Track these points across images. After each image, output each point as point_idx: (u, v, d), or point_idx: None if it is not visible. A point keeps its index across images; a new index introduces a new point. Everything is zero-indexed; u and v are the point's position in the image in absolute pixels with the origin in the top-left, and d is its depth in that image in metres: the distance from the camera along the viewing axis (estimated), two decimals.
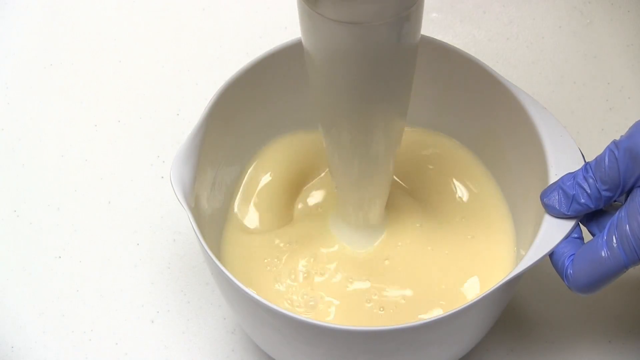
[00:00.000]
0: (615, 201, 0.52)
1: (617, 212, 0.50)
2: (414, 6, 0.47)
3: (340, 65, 0.49)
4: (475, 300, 0.49)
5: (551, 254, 0.52)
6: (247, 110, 0.61)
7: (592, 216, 0.53)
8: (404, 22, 0.47)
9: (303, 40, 0.50)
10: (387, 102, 0.52)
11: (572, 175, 0.52)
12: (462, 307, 0.49)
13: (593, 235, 0.53)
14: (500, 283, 0.50)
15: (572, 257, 0.51)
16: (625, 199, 0.51)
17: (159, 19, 0.76)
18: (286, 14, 0.76)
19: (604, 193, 0.51)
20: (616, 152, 0.50)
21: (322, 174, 0.66)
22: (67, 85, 0.74)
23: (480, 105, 0.61)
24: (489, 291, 0.50)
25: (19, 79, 0.74)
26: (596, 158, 0.51)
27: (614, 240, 0.49)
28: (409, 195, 0.64)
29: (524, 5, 0.76)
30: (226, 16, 0.76)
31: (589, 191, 0.51)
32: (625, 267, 0.49)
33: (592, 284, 0.50)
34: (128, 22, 0.76)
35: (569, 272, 0.51)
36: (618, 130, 0.71)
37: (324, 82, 0.51)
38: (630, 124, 0.72)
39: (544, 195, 0.53)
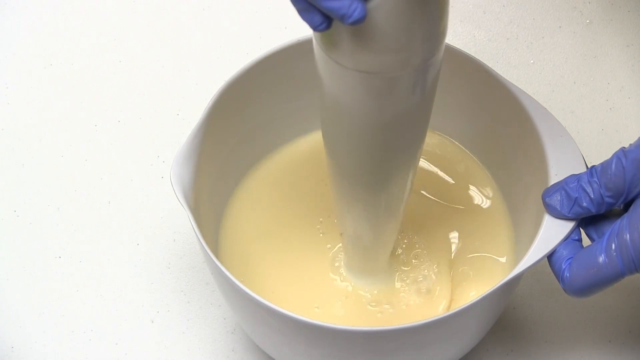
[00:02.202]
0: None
1: (619, 220, 0.50)
2: (432, 58, 0.45)
3: (353, 113, 0.47)
4: (475, 300, 0.49)
5: (550, 255, 0.52)
6: (247, 110, 0.61)
7: (591, 220, 0.53)
8: (421, 73, 0.46)
9: (321, 83, 0.48)
10: (401, 152, 0.50)
11: (577, 178, 0.52)
12: (462, 307, 0.49)
13: (590, 238, 0.53)
14: (500, 283, 0.50)
15: (569, 260, 0.51)
16: (626, 206, 0.51)
17: (159, 19, 0.76)
18: (286, 14, 0.76)
19: (606, 199, 0.51)
20: (624, 161, 0.50)
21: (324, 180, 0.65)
22: (67, 85, 0.74)
23: (480, 106, 0.61)
24: (489, 291, 0.50)
25: (19, 79, 0.74)
26: (602, 163, 0.51)
27: (613, 248, 0.49)
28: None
29: (524, 5, 0.76)
30: (226, 16, 0.76)
31: (592, 195, 0.51)
32: (622, 275, 0.49)
33: (587, 289, 0.50)
34: (128, 22, 0.76)
35: (565, 274, 0.51)
36: (618, 130, 0.71)
37: (336, 126, 0.50)
38: (630, 124, 0.72)
39: (546, 194, 0.53)
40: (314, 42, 0.46)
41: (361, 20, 0.41)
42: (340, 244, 0.61)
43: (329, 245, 0.62)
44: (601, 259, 0.49)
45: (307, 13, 0.42)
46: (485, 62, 0.59)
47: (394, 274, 0.60)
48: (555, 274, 0.52)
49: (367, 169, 0.51)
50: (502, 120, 0.60)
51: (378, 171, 0.51)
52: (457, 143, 0.66)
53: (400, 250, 0.61)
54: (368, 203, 0.53)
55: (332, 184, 0.54)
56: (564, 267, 0.51)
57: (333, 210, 0.58)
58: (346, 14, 0.41)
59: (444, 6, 0.44)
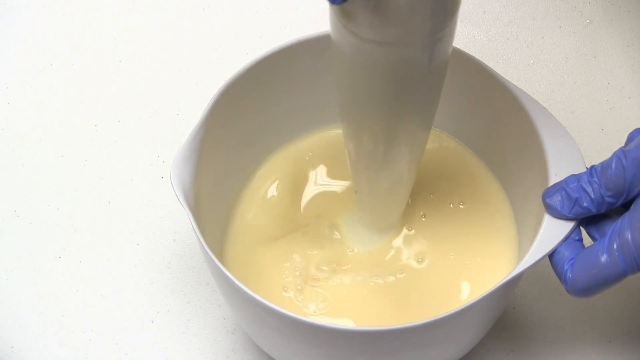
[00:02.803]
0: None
1: (620, 219, 0.50)
2: (446, 28, 0.47)
3: (368, 82, 0.49)
4: (475, 300, 0.49)
5: (551, 256, 0.52)
6: (247, 110, 0.61)
7: (592, 220, 0.53)
8: (435, 43, 0.47)
9: (333, 50, 0.50)
10: (414, 117, 0.52)
11: (577, 178, 0.52)
12: (462, 307, 0.49)
13: (592, 237, 0.53)
14: (501, 283, 0.50)
15: (572, 261, 0.51)
16: (625, 205, 0.51)
17: (159, 19, 0.76)
18: (286, 14, 0.76)
19: (607, 199, 0.51)
20: (624, 161, 0.50)
21: (325, 179, 0.65)
22: (67, 85, 0.74)
23: (481, 105, 0.61)
24: (489, 291, 0.50)
25: (19, 79, 0.74)
26: (602, 163, 0.51)
27: (615, 248, 0.49)
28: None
29: (524, 5, 0.76)
30: (226, 16, 0.76)
31: (592, 195, 0.51)
32: (624, 275, 0.49)
33: (590, 289, 0.50)
34: (128, 22, 0.76)
35: (568, 275, 0.51)
36: (618, 130, 0.71)
37: (351, 94, 0.52)
38: (631, 124, 0.72)
39: (546, 195, 0.53)
40: (330, 15, 0.47)
41: None
42: (340, 245, 0.62)
43: (330, 244, 0.62)
44: (603, 258, 0.49)
45: None
46: (485, 62, 0.59)
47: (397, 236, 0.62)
48: (557, 275, 0.52)
49: (379, 131, 0.52)
50: (502, 120, 0.60)
51: (388, 134, 0.53)
52: (456, 143, 0.66)
53: (392, 252, 0.61)
54: (381, 164, 0.55)
55: (347, 142, 0.56)
56: (566, 267, 0.51)
57: (349, 171, 0.60)
58: None
59: None
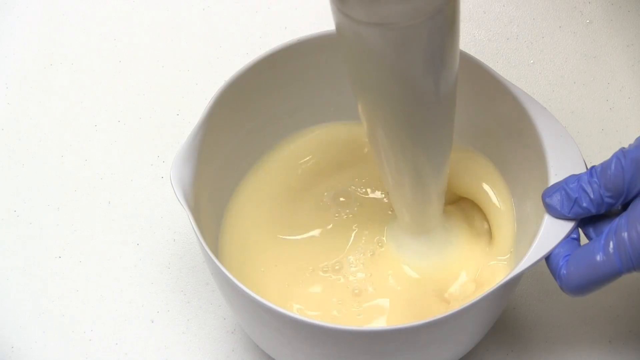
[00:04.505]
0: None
1: (617, 219, 0.50)
2: (445, 5, 0.45)
3: (370, 71, 0.48)
4: (475, 300, 0.49)
5: None
6: (247, 110, 0.61)
7: (590, 219, 0.53)
8: (436, 21, 0.45)
9: (340, 46, 0.49)
10: (430, 110, 0.50)
11: (577, 178, 0.52)
12: (462, 307, 0.49)
13: (588, 237, 0.53)
14: (500, 283, 0.50)
15: (567, 258, 0.51)
16: (625, 207, 0.51)
17: (159, 19, 0.76)
18: (286, 14, 0.76)
19: (606, 199, 0.51)
20: (623, 161, 0.50)
21: (325, 179, 0.65)
22: (67, 85, 0.74)
23: (480, 105, 0.61)
24: (488, 291, 0.50)
25: (19, 79, 0.74)
26: (602, 164, 0.51)
27: (611, 246, 0.49)
28: None
29: (524, 5, 0.76)
30: (226, 16, 0.76)
31: (591, 196, 0.51)
32: (619, 273, 0.49)
33: (584, 287, 0.50)
34: (128, 22, 0.76)
35: (562, 272, 0.51)
36: (618, 130, 0.71)
37: (362, 88, 0.50)
38: (631, 124, 0.72)
39: (546, 194, 0.53)
40: (331, 4, 0.46)
41: None
42: (340, 244, 0.62)
43: (331, 244, 0.62)
44: (599, 257, 0.49)
45: None
46: (485, 62, 0.59)
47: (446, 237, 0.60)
48: (551, 272, 0.52)
49: (402, 120, 0.51)
50: (502, 120, 0.60)
51: (407, 129, 0.51)
52: (456, 142, 0.66)
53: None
54: (409, 154, 0.53)
55: (374, 144, 0.54)
56: (560, 264, 0.51)
57: (379, 173, 0.58)
58: None
59: None
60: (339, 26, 0.47)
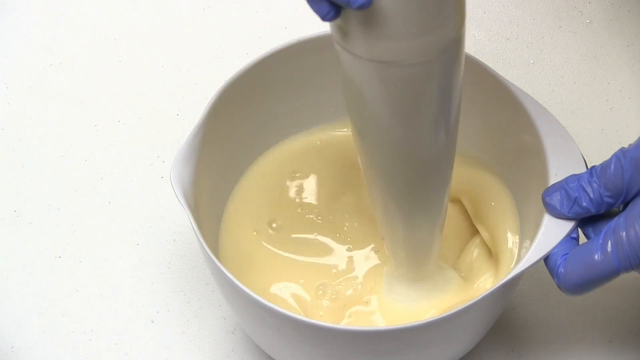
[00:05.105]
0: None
1: (616, 218, 0.50)
2: (448, 46, 0.44)
3: (374, 105, 0.46)
4: (475, 300, 0.49)
5: None
6: (247, 110, 0.61)
7: (589, 220, 0.53)
8: (438, 61, 0.44)
9: (342, 78, 0.47)
10: (431, 148, 0.49)
11: (577, 178, 0.52)
12: (462, 307, 0.49)
13: (588, 238, 0.53)
14: (500, 283, 0.50)
15: (565, 256, 0.51)
16: (625, 207, 0.51)
17: (159, 19, 0.76)
18: (286, 14, 0.76)
19: (606, 199, 0.51)
20: (622, 161, 0.50)
21: (320, 181, 0.65)
22: (67, 85, 0.74)
23: (480, 106, 0.61)
24: (488, 291, 0.50)
25: (19, 79, 0.74)
26: (602, 164, 0.51)
27: (609, 246, 0.49)
28: None
29: (524, 5, 0.76)
30: (226, 16, 0.76)
31: (591, 195, 0.51)
32: (617, 273, 0.49)
33: (582, 286, 0.50)
34: (128, 22, 0.76)
35: (560, 270, 0.51)
36: (618, 130, 0.71)
37: (360, 121, 0.49)
38: (631, 124, 0.72)
39: (546, 193, 0.53)
40: (333, 37, 0.45)
41: (367, 4, 0.40)
42: (337, 244, 0.62)
43: (329, 245, 0.62)
44: (597, 256, 0.49)
45: (314, 3, 0.42)
46: (485, 62, 0.59)
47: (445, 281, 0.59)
48: (549, 270, 0.52)
49: (399, 161, 0.50)
50: (501, 121, 0.60)
51: (410, 166, 0.50)
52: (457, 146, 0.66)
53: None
54: (406, 201, 0.52)
55: (369, 186, 0.53)
56: (558, 263, 0.51)
57: (373, 217, 0.56)
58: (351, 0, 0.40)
59: None
60: (340, 58, 0.46)
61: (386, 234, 0.56)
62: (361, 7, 0.40)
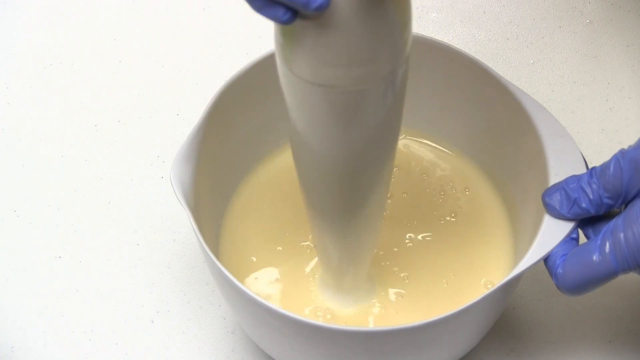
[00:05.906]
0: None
1: (614, 219, 0.50)
2: (394, 72, 0.43)
3: (317, 129, 0.46)
4: (475, 300, 0.49)
5: None
6: (247, 110, 0.61)
7: (589, 220, 0.53)
8: (384, 87, 0.44)
9: (285, 101, 0.47)
10: (371, 166, 0.48)
11: (577, 178, 0.52)
12: (462, 307, 0.49)
13: (588, 238, 0.53)
14: (500, 283, 0.50)
15: (564, 257, 0.51)
16: (625, 208, 0.51)
17: (159, 19, 0.76)
18: None
19: (605, 200, 0.51)
20: (622, 162, 0.50)
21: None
22: (67, 85, 0.74)
23: (480, 106, 0.61)
24: (488, 291, 0.50)
25: (19, 79, 0.74)
26: (602, 165, 0.51)
27: (607, 247, 0.49)
28: (405, 194, 0.64)
29: (523, 5, 0.76)
30: (226, 16, 0.76)
31: (591, 196, 0.51)
32: (615, 274, 0.49)
33: (580, 286, 0.50)
34: (128, 22, 0.76)
35: (558, 270, 0.51)
36: (618, 130, 0.71)
37: (299, 139, 0.48)
38: (631, 124, 0.72)
39: (546, 194, 0.53)
40: (276, 56, 0.45)
41: (325, 5, 0.39)
42: None
43: None
44: (595, 256, 0.49)
45: (268, 9, 0.41)
46: (485, 62, 0.59)
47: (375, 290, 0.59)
48: (548, 270, 0.52)
49: (337, 185, 0.49)
50: (501, 121, 0.60)
51: (349, 188, 0.49)
52: (456, 143, 0.66)
53: (388, 262, 0.61)
54: (339, 222, 0.52)
55: (304, 200, 0.53)
56: (557, 263, 0.51)
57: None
58: (309, 1, 0.39)
59: (405, 15, 0.42)
60: (284, 81, 0.46)
61: (317, 247, 0.56)
62: (319, 9, 0.40)
